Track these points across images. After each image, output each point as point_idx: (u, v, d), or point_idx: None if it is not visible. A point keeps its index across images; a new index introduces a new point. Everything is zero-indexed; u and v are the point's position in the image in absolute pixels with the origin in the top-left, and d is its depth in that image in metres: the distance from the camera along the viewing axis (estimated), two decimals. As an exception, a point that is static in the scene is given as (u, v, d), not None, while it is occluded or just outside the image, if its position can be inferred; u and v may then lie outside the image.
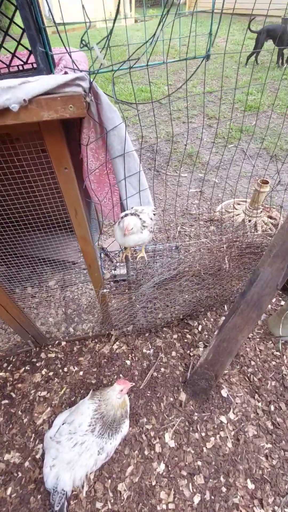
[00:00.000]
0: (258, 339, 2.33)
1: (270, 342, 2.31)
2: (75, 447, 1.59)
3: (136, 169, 1.34)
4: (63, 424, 1.73)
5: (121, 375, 2.15)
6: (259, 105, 5.32)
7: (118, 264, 2.71)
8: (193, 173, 4.04)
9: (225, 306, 2.56)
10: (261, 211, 3.03)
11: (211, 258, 2.22)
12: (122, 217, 1.39)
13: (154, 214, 1.59)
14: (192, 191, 3.77)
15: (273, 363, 2.18)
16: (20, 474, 1.76)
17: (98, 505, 1.63)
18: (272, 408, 1.96)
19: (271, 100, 5.64)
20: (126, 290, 2.30)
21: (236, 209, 3.26)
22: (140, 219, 1.39)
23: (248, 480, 1.67)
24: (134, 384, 2.06)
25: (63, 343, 2.36)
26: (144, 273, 2.02)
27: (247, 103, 5.52)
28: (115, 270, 2.67)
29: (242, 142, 4.58)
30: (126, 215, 1.38)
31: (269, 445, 1.80)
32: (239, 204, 3.35)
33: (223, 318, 2.48)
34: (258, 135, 4.71)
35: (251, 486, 1.66)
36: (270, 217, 3.14)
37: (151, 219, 1.51)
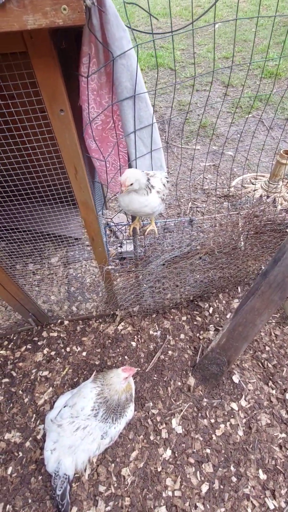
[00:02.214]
0: (273, 324, 2.17)
1: (287, 327, 2.15)
2: (77, 431, 1.50)
3: (148, 121, 1.12)
4: (64, 406, 1.64)
5: (126, 357, 2.03)
6: (277, 71, 4.83)
7: (124, 240, 2.53)
8: (206, 145, 3.73)
9: (239, 288, 2.39)
10: (282, 186, 2.76)
11: (226, 235, 2.02)
12: None
13: (167, 181, 1.38)
14: (206, 165, 3.49)
15: (290, 349, 2.03)
16: (21, 454, 1.70)
17: (101, 488, 1.56)
18: (287, 396, 1.83)
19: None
20: (133, 268, 2.13)
21: (253, 184, 2.99)
22: (148, 180, 1.18)
23: (260, 470, 1.58)
24: (139, 369, 1.95)
25: (66, 322, 2.25)
26: (153, 249, 1.83)
27: (267, 69, 5.02)
28: (121, 247, 2.49)
29: (260, 112, 4.19)
30: None
31: (284, 435, 1.69)
32: (256, 179, 3.08)
33: (236, 300, 2.31)
34: (278, 105, 4.30)
35: (263, 476, 1.56)
36: (291, 194, 2.88)
37: (163, 184, 1.30)
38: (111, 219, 2.49)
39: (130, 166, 1.31)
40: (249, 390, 1.86)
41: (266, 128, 3.91)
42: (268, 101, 4.26)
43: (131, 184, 1.10)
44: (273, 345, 2.06)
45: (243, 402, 1.81)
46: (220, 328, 2.13)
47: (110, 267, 1.61)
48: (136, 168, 1.32)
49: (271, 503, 1.49)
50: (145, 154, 1.28)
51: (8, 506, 1.56)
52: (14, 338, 2.19)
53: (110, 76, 0.91)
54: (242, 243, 2.04)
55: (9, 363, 2.06)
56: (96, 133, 1.17)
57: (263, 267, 2.34)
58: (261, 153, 3.56)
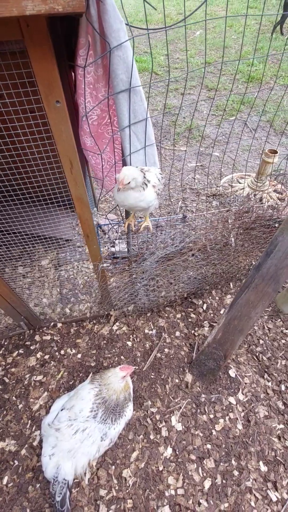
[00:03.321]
0: (266, 317, 2.21)
1: (279, 320, 2.19)
2: (76, 434, 1.45)
3: (143, 115, 1.12)
4: (61, 409, 1.59)
5: (122, 357, 2.01)
6: (261, 76, 5.01)
7: (116, 240, 2.52)
8: (193, 146, 3.79)
9: (231, 284, 2.42)
10: (267, 184, 2.84)
11: (217, 232, 2.05)
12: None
13: (162, 177, 1.39)
14: (192, 166, 3.54)
15: (283, 341, 2.07)
16: (16, 463, 1.63)
17: (102, 492, 1.52)
18: (283, 387, 1.86)
19: (273, 71, 5.33)
20: (126, 268, 2.12)
21: (240, 182, 3.06)
22: (145, 177, 1.19)
23: (261, 462, 1.59)
24: (136, 367, 1.93)
25: (59, 325, 2.20)
26: (148, 245, 1.83)
27: (250, 74, 5.19)
28: (113, 247, 2.48)
29: (244, 114, 4.32)
30: None
31: (281, 426, 1.71)
32: (242, 178, 3.16)
33: (229, 296, 2.34)
34: (260, 107, 4.45)
35: (264, 468, 1.57)
36: (276, 191, 2.97)
37: (158, 180, 1.31)
38: (105, 215, 2.47)
39: (124, 162, 1.31)
40: (245, 383, 1.88)
41: (250, 130, 4.02)
42: (253, 105, 4.39)
43: (129, 183, 1.10)
44: (266, 338, 2.09)
45: (240, 396, 1.83)
46: (214, 324, 2.15)
47: (105, 264, 1.59)
48: (130, 164, 1.32)
49: (273, 495, 1.50)
50: (139, 149, 1.28)
51: (4, 518, 1.49)
52: (5, 343, 2.12)
53: (107, 69, 0.92)
54: (233, 239, 2.08)
55: (0, 369, 1.98)
56: (91, 129, 1.17)
57: (253, 263, 2.40)
58: (248, 154, 3.66)
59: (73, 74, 1.25)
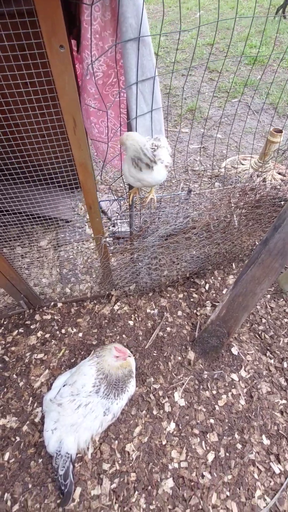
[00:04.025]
0: (268, 297, 2.20)
1: (282, 299, 2.18)
2: (79, 409, 1.44)
3: (151, 72, 1.06)
4: (64, 385, 1.57)
5: (124, 336, 1.99)
6: (263, 58, 4.89)
7: (116, 220, 2.46)
8: (195, 128, 3.71)
9: (233, 264, 2.40)
10: (271, 165, 2.79)
11: (221, 210, 2.01)
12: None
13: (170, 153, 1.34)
14: (194, 147, 3.47)
15: (286, 320, 2.06)
16: (18, 439, 1.62)
17: (105, 466, 1.52)
18: (285, 365, 1.86)
19: (276, 54, 5.20)
20: (128, 247, 2.08)
21: (243, 164, 3.00)
22: (155, 155, 1.15)
23: (264, 436, 1.59)
24: (130, 355, 1.88)
25: (59, 305, 2.16)
26: (152, 220, 1.78)
27: (251, 56, 5.06)
28: (114, 226, 2.43)
29: (247, 97, 4.22)
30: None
31: (284, 401, 1.71)
32: (246, 160, 3.10)
33: (231, 276, 2.32)
34: (263, 90, 4.35)
35: (266, 442, 1.58)
36: (280, 173, 2.92)
37: (170, 156, 1.26)
38: (109, 185, 2.39)
39: (129, 126, 1.25)
40: (248, 361, 1.88)
41: (252, 112, 3.94)
42: (257, 87, 4.29)
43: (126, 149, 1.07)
44: (269, 317, 2.08)
45: (243, 373, 1.82)
46: (217, 304, 2.13)
47: (107, 239, 1.54)
48: (136, 129, 1.26)
49: (276, 467, 1.51)
50: (146, 113, 1.22)
51: (6, 494, 1.48)
52: (5, 322, 2.08)
53: (115, 12, 0.85)
54: (236, 219, 2.04)
55: (0, 348, 1.95)
56: (96, 90, 1.10)
57: (257, 243, 2.37)
58: (248, 135, 3.59)
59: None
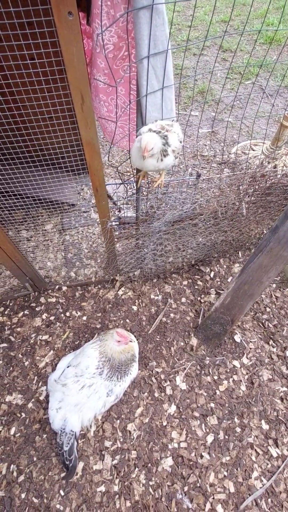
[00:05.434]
0: (274, 286, 2.18)
1: (287, 289, 2.16)
2: (83, 389, 1.47)
3: (164, 45, 1.00)
4: (68, 367, 1.60)
5: (127, 320, 2.00)
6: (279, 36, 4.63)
7: (122, 205, 2.43)
8: (205, 111, 3.58)
9: (240, 253, 2.37)
10: (283, 151, 2.70)
11: (229, 198, 1.96)
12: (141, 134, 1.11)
13: (181, 140, 1.29)
14: (204, 132, 3.36)
15: (290, 310, 2.06)
16: (23, 415, 1.67)
17: (107, 443, 1.57)
18: (288, 353, 1.87)
19: (294, 32, 4.91)
20: (133, 232, 2.06)
21: (254, 150, 2.91)
22: (165, 138, 1.11)
23: (263, 421, 1.62)
24: (133, 339, 1.90)
25: (64, 288, 2.18)
26: (159, 205, 1.76)
27: (267, 35, 4.80)
28: (119, 211, 2.40)
29: (260, 78, 4.04)
30: (149, 130, 1.10)
31: (285, 388, 1.73)
32: (256, 145, 3.00)
33: (237, 265, 2.30)
34: (278, 71, 4.15)
35: (265, 426, 1.61)
36: (291, 160, 2.83)
37: (180, 141, 1.22)
38: (116, 168, 2.35)
39: (139, 104, 1.20)
40: (250, 348, 1.89)
41: (266, 95, 3.78)
42: (273, 69, 4.09)
43: (152, 149, 1.06)
44: (273, 306, 2.08)
45: (245, 360, 1.84)
46: (221, 292, 2.13)
47: (113, 223, 1.52)
48: (146, 107, 1.21)
49: (274, 451, 1.54)
50: (157, 90, 1.17)
51: (12, 466, 1.54)
52: (11, 304, 2.11)
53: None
54: (244, 208, 1.99)
55: (6, 328, 1.99)
56: (106, 65, 1.05)
57: (265, 231, 2.33)
58: (261, 120, 3.46)
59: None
